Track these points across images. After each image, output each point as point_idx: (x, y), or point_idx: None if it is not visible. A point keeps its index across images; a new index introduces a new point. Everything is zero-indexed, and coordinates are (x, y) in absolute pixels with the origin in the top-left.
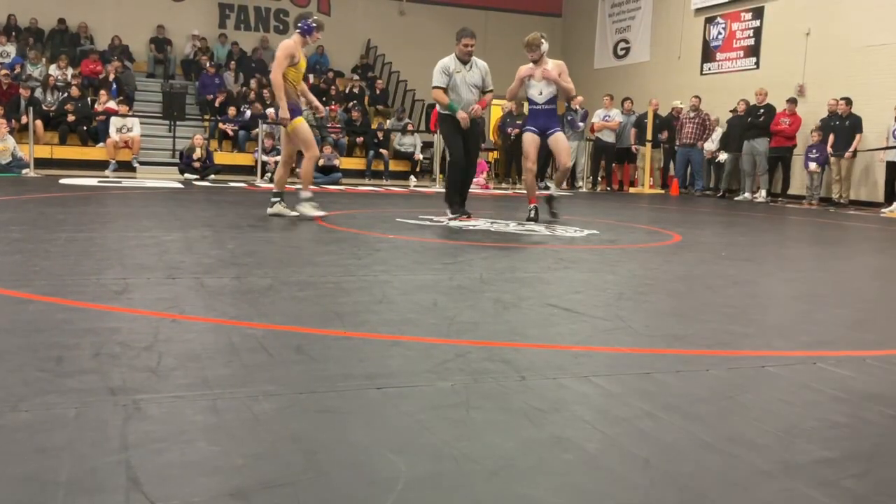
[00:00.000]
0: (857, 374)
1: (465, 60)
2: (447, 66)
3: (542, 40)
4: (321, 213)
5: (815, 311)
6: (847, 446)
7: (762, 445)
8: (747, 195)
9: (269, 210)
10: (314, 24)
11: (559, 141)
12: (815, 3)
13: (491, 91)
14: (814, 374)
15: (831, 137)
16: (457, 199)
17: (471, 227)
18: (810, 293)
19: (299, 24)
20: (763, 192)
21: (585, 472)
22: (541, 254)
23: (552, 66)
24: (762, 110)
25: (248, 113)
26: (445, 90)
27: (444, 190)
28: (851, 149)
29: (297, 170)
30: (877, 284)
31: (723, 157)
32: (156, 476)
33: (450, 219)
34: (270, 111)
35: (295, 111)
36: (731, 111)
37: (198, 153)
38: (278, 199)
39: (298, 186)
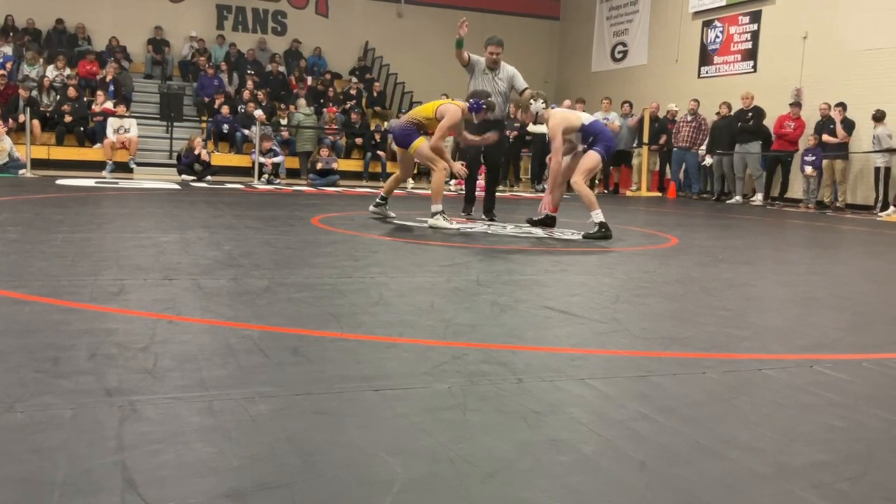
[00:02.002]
0: (853, 377)
1: (492, 68)
2: (479, 59)
3: (531, 101)
4: (456, 226)
5: (812, 314)
6: (843, 449)
7: (758, 448)
8: (738, 198)
9: (430, 221)
10: (485, 106)
11: (583, 157)
12: (812, 7)
13: (526, 89)
14: (810, 378)
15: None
16: (469, 198)
17: (468, 230)
18: (807, 296)
19: (472, 101)
20: (760, 196)
21: (581, 474)
22: (538, 256)
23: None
24: (750, 114)
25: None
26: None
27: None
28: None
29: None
30: (873, 288)
31: (708, 160)
32: (152, 477)
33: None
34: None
35: (412, 135)
36: (717, 114)
37: (203, 155)
38: (440, 210)
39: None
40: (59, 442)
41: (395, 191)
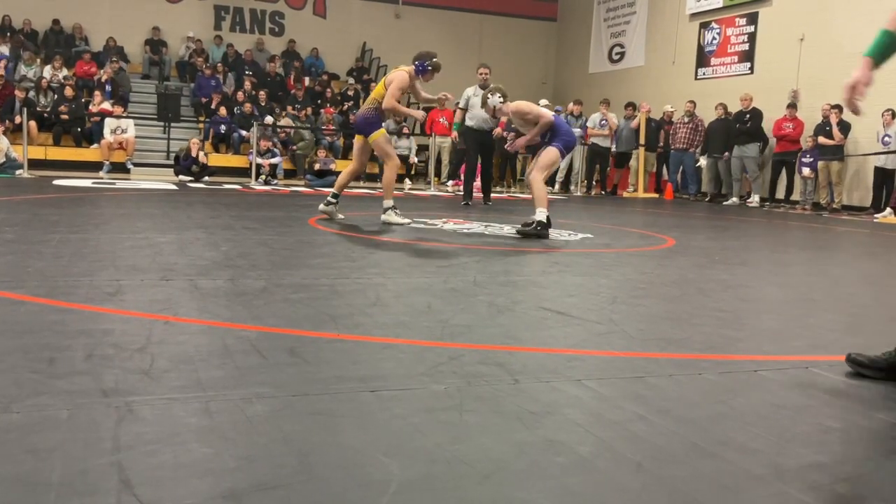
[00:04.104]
0: (849, 378)
1: (482, 86)
2: (467, 91)
3: (489, 95)
4: (406, 221)
5: (808, 315)
6: (839, 451)
7: (754, 449)
8: (734, 200)
9: (382, 217)
10: (429, 67)
11: (542, 153)
12: (809, 8)
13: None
14: (806, 379)
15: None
16: (468, 190)
17: (465, 231)
18: (803, 298)
19: (416, 62)
20: (757, 198)
21: (578, 475)
22: (535, 257)
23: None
24: (748, 115)
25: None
26: (464, 110)
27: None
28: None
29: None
30: (869, 289)
31: (703, 162)
32: (148, 478)
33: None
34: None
35: (374, 125)
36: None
37: (201, 157)
38: (391, 205)
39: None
40: (55, 442)
41: (390, 190)
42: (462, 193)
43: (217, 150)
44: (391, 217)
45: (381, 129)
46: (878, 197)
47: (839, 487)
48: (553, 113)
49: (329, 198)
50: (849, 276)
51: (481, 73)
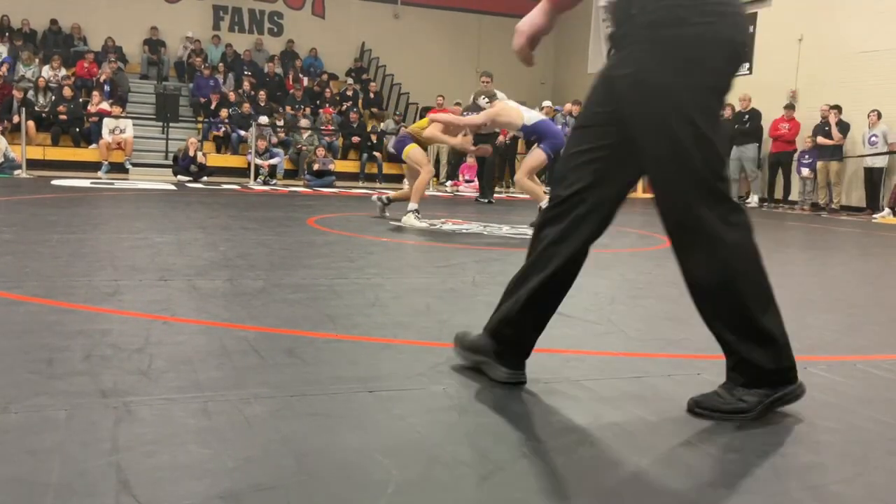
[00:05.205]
0: (847, 378)
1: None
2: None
3: (479, 100)
4: (423, 225)
5: (806, 315)
6: (837, 451)
7: (752, 449)
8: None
9: (403, 218)
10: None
11: (528, 155)
12: (807, 9)
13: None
14: (804, 379)
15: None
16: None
17: (464, 231)
18: (801, 298)
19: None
20: (756, 198)
21: (576, 475)
22: None
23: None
24: (747, 116)
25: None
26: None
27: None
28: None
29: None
30: (868, 289)
31: None
32: (146, 479)
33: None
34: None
35: (405, 141)
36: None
37: (199, 157)
38: (415, 208)
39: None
40: (54, 443)
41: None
42: (478, 194)
43: (219, 151)
44: (410, 219)
45: (412, 143)
46: (869, 196)
47: (837, 488)
48: (539, 119)
49: (385, 198)
50: (846, 276)
51: (484, 82)
